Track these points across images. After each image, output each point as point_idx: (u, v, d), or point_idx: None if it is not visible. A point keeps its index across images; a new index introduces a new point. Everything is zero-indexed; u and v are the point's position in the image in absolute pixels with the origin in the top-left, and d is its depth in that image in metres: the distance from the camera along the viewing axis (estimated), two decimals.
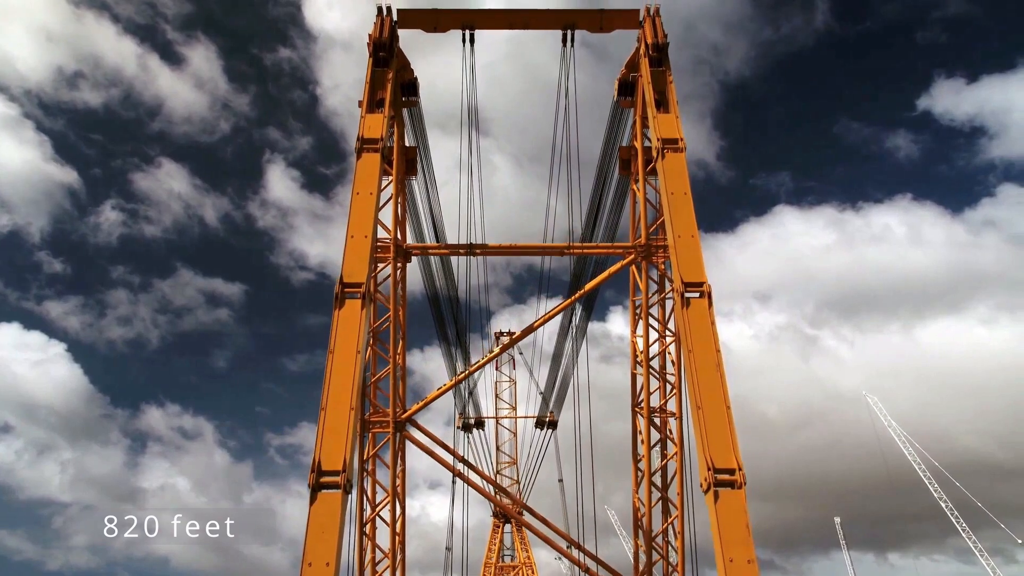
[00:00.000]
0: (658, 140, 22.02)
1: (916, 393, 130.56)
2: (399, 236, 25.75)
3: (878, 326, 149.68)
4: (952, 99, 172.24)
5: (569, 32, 25.27)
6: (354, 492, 19.24)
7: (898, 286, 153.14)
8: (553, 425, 50.83)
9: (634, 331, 26.02)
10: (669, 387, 24.92)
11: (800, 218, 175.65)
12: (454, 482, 26.52)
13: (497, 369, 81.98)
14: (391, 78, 23.70)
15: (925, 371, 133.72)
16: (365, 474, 24.53)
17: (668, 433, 24.61)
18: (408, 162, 26.42)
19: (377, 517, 24.59)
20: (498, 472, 76.48)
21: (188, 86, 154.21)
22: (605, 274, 25.55)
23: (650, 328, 25.63)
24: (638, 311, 25.84)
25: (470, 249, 25.50)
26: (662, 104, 23.85)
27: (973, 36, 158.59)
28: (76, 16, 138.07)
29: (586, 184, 26.96)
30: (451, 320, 29.41)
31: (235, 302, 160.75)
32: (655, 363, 25.44)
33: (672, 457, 24.13)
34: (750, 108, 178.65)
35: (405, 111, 26.20)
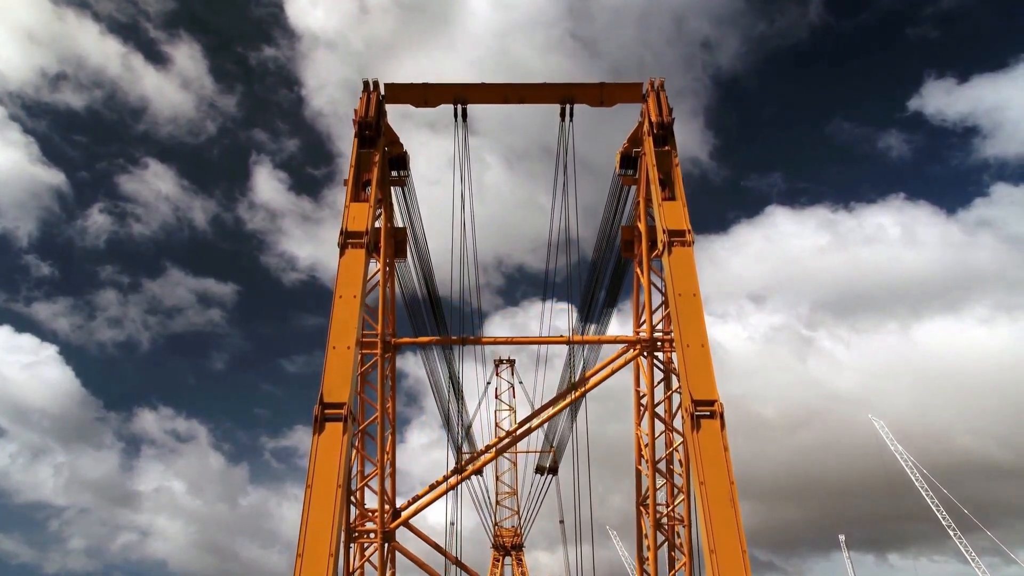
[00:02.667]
0: (664, 232, 20.48)
1: (913, 393, 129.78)
2: (387, 328, 24.11)
3: (874, 327, 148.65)
4: (944, 99, 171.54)
5: (568, 106, 23.60)
6: None
7: (894, 286, 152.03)
8: (554, 471, 49.45)
9: (638, 423, 24.43)
10: (676, 489, 23.32)
11: (793, 219, 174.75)
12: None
13: (497, 398, 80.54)
14: (377, 161, 22.12)
15: (922, 371, 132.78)
16: None
17: (676, 541, 22.95)
18: (397, 243, 24.84)
19: None
20: (498, 503, 75.05)
21: (174, 86, 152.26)
22: (608, 371, 23.96)
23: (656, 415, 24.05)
24: (643, 405, 24.21)
25: (463, 340, 23.89)
26: (667, 185, 22.31)
27: (964, 33, 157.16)
28: (58, 15, 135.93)
29: (587, 241, 25.69)
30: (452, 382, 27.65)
31: (228, 302, 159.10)
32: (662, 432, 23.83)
33: (682, 567, 22.47)
34: (743, 106, 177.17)
35: (394, 190, 24.64)
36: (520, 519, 67.49)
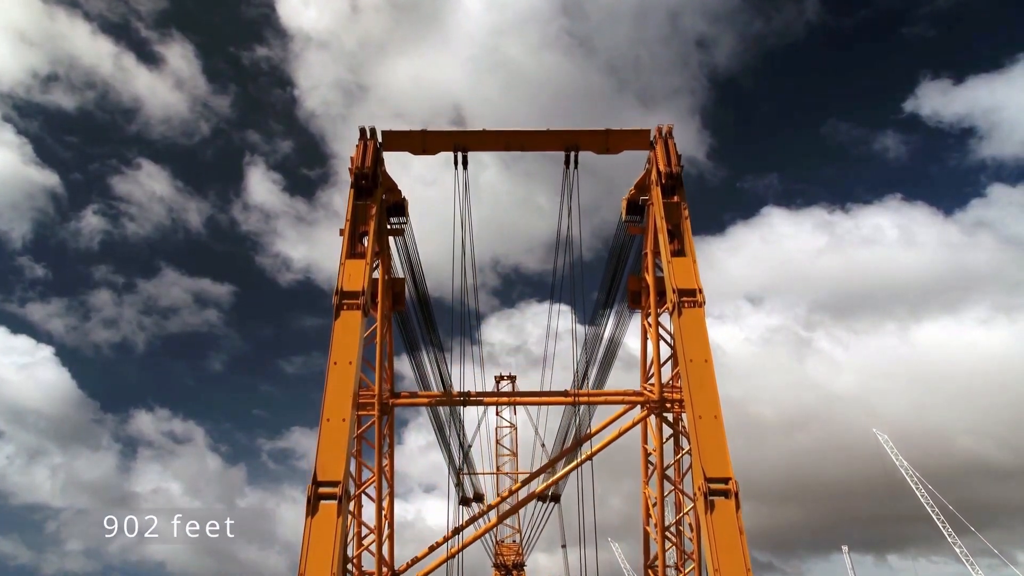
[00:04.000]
0: (673, 291, 19.56)
1: (912, 394, 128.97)
2: (384, 386, 23.17)
3: (873, 328, 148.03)
4: (939, 100, 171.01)
5: (572, 154, 22.66)
6: None
7: (892, 287, 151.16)
8: (556, 499, 48.59)
9: (646, 482, 23.48)
10: (686, 556, 22.38)
11: (789, 220, 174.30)
12: None
13: (498, 415, 79.56)
14: (374, 214, 21.20)
15: (921, 372, 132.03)
16: None
17: None
18: (395, 295, 23.91)
19: None
20: (499, 523, 74.01)
21: (167, 86, 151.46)
22: (616, 433, 23.04)
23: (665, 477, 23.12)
24: (651, 462, 23.27)
25: (464, 397, 22.95)
26: (676, 236, 21.41)
27: (960, 33, 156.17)
28: (49, 14, 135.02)
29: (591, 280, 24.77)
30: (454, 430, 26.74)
31: (224, 303, 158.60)
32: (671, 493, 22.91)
33: None
34: (739, 106, 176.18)
35: (392, 239, 23.72)
36: (521, 536, 66.66)
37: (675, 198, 21.44)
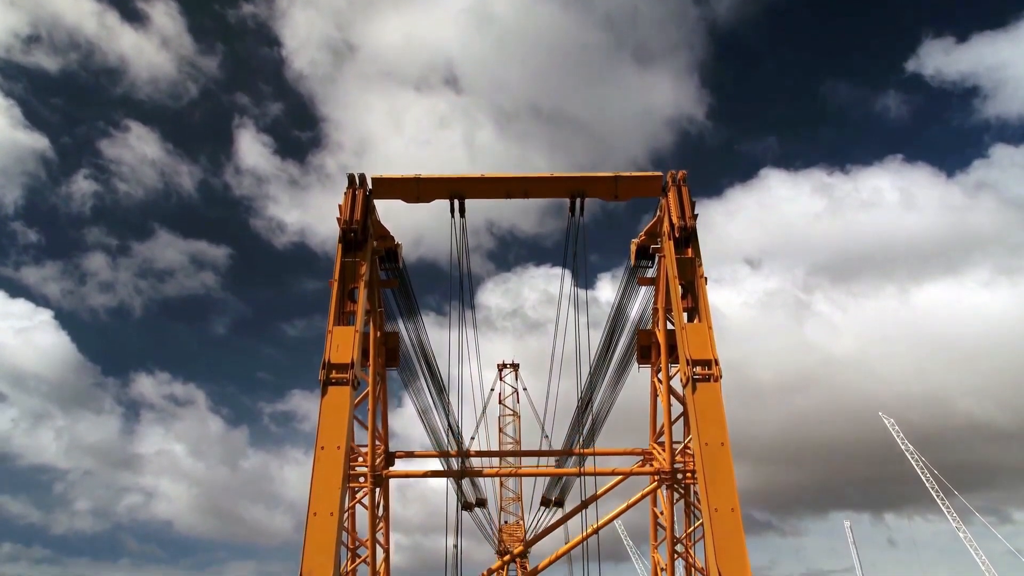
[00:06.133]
0: (688, 362, 18.06)
1: (912, 357, 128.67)
2: (376, 457, 21.83)
3: (872, 290, 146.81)
4: (942, 59, 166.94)
5: (578, 200, 20.96)
6: None
7: (892, 250, 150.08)
8: (560, 504, 47.74)
9: (655, 547, 22.29)
10: None
11: (788, 182, 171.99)
12: None
13: (501, 403, 78.80)
14: (364, 272, 19.63)
15: (921, 335, 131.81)
16: None
17: None
18: (388, 351, 22.45)
19: None
20: (502, 509, 73.74)
21: (153, 46, 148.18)
22: (624, 506, 21.73)
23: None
24: (660, 524, 22.06)
25: (463, 461, 21.64)
26: (688, 292, 19.83)
27: None
28: None
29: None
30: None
31: (221, 266, 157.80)
32: None
33: None
34: (738, 63, 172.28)
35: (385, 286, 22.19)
36: (525, 523, 66.12)
37: (689, 252, 19.83)
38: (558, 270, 24.08)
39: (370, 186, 20.73)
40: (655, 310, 21.84)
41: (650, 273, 21.95)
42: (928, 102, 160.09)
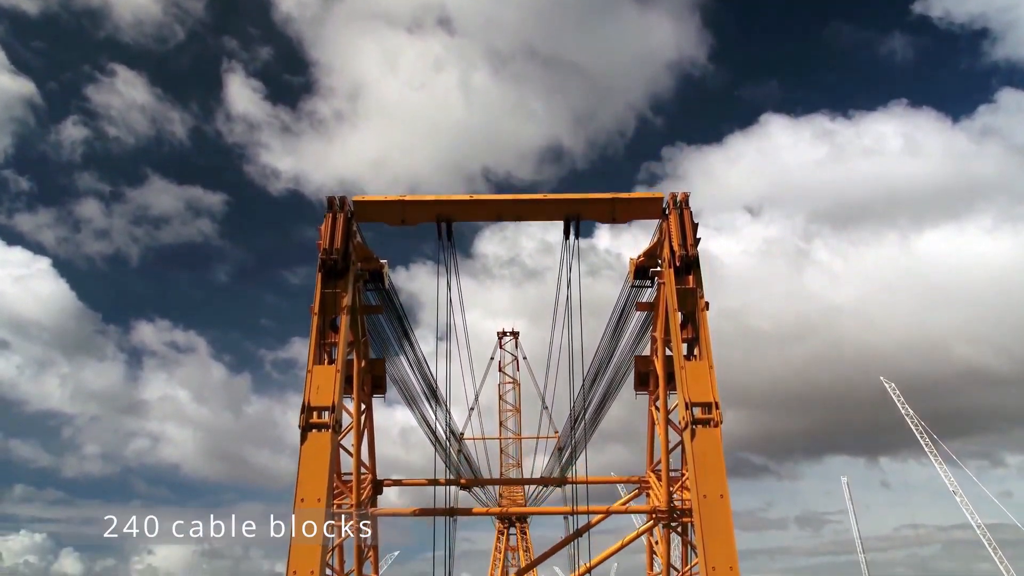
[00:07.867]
0: (687, 406, 17.12)
1: (913, 304, 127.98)
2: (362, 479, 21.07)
3: (873, 238, 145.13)
4: (950, 0, 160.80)
5: (573, 223, 19.69)
6: None
7: (894, 196, 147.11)
8: (561, 483, 47.81)
9: None
10: None
11: (789, 128, 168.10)
12: None
13: (500, 370, 78.38)
14: (346, 305, 18.51)
15: (923, 282, 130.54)
16: None
17: None
18: (375, 379, 21.50)
19: None
20: (503, 473, 74.15)
21: None
22: (619, 544, 21.05)
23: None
24: (655, 554, 21.47)
25: (452, 505, 20.92)
26: (688, 322, 18.81)
27: None
28: None
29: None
30: None
31: (217, 213, 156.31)
32: None
33: None
34: (741, 2, 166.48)
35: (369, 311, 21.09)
36: (525, 491, 66.53)
37: (690, 280, 18.70)
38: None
39: (351, 209, 19.49)
40: (653, 339, 20.79)
41: (648, 297, 20.85)
42: (935, 45, 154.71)
